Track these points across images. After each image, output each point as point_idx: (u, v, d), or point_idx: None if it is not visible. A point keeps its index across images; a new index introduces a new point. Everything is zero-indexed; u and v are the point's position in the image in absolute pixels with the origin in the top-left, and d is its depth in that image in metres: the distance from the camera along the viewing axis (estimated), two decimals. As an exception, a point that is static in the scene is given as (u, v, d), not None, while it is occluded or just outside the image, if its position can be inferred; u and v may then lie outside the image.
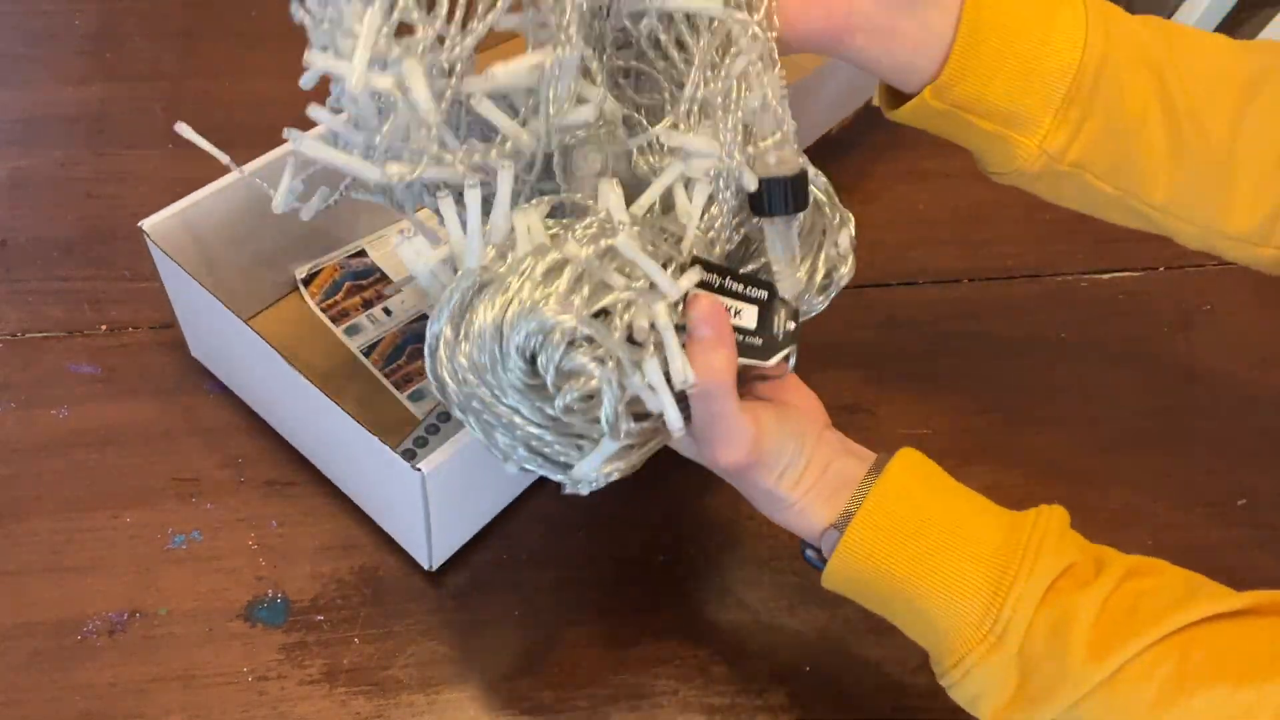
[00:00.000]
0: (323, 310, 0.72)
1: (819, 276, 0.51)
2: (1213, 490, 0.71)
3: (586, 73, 0.45)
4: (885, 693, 0.60)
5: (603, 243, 0.42)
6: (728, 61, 0.44)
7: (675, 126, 0.45)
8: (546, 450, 0.44)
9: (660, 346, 0.42)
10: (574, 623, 0.62)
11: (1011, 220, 0.86)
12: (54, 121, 0.84)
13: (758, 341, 0.46)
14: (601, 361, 0.41)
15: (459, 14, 0.42)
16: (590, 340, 0.41)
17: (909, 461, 0.49)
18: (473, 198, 0.43)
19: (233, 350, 0.64)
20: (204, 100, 0.87)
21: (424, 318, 0.74)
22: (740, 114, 0.44)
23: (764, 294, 0.46)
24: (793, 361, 0.48)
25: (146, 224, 0.60)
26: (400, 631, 0.60)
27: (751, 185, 0.45)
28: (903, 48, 0.47)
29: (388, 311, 0.73)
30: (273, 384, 0.61)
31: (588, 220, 0.44)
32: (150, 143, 0.83)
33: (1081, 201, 0.53)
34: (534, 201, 0.45)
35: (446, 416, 0.67)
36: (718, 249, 0.47)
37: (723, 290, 0.45)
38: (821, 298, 0.52)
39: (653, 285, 0.42)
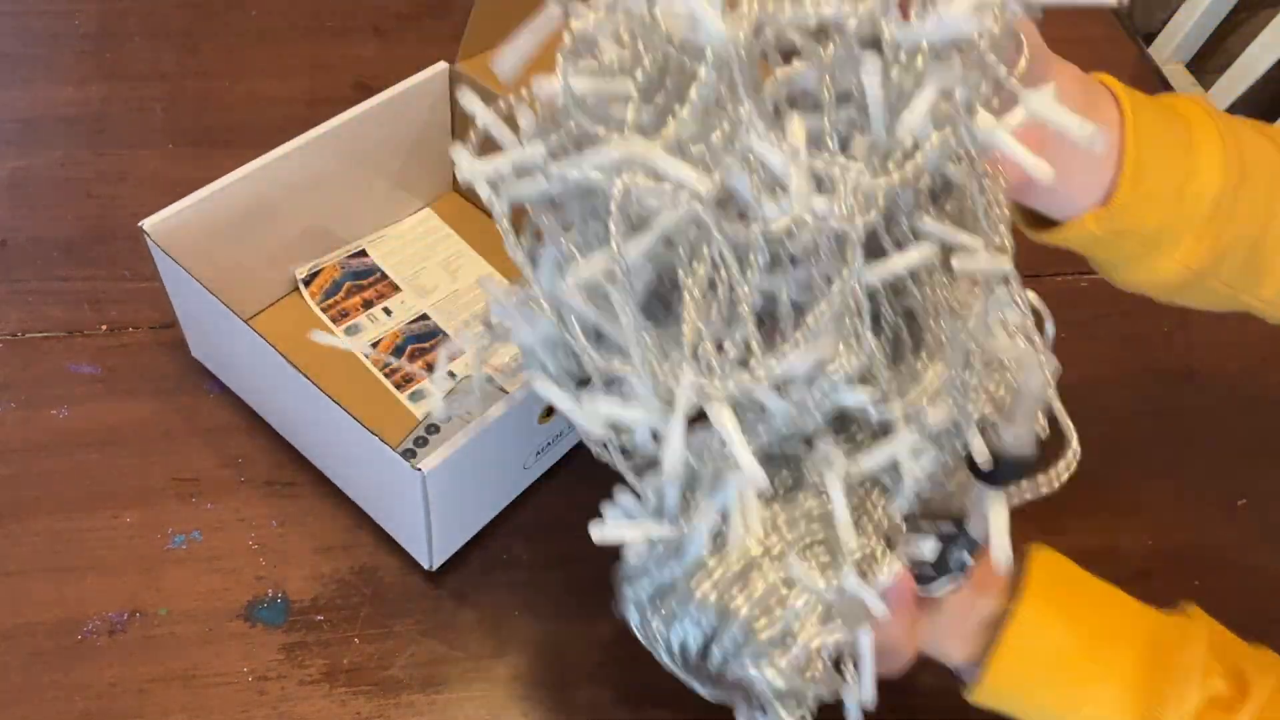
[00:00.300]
0: (323, 310, 0.72)
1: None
2: (1213, 490, 0.71)
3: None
4: (886, 692, 0.60)
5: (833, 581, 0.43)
6: (984, 339, 0.43)
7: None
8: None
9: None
10: (574, 623, 0.62)
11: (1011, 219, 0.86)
12: (54, 121, 0.84)
13: (932, 574, 0.47)
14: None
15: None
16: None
17: (1044, 582, 0.50)
18: (708, 508, 0.43)
19: (233, 350, 0.64)
20: (204, 100, 0.87)
21: (424, 318, 0.74)
22: (987, 385, 0.44)
23: (951, 528, 0.47)
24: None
25: (147, 224, 0.60)
26: (400, 631, 0.60)
27: (983, 459, 0.44)
28: (1062, 181, 0.45)
29: (388, 311, 0.73)
30: (273, 384, 0.61)
31: (806, 539, 0.44)
32: (150, 143, 0.83)
33: (1187, 296, 0.54)
34: (763, 500, 0.44)
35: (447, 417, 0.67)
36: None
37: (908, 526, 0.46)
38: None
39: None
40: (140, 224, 0.60)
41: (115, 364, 0.69)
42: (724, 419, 0.38)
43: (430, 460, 0.53)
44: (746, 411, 0.42)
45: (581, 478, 0.68)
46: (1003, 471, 0.45)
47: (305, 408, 0.59)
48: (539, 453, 0.64)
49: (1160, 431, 0.74)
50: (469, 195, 0.81)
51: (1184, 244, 0.49)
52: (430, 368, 0.70)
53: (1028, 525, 0.68)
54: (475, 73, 0.72)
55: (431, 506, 0.56)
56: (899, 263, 0.37)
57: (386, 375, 0.70)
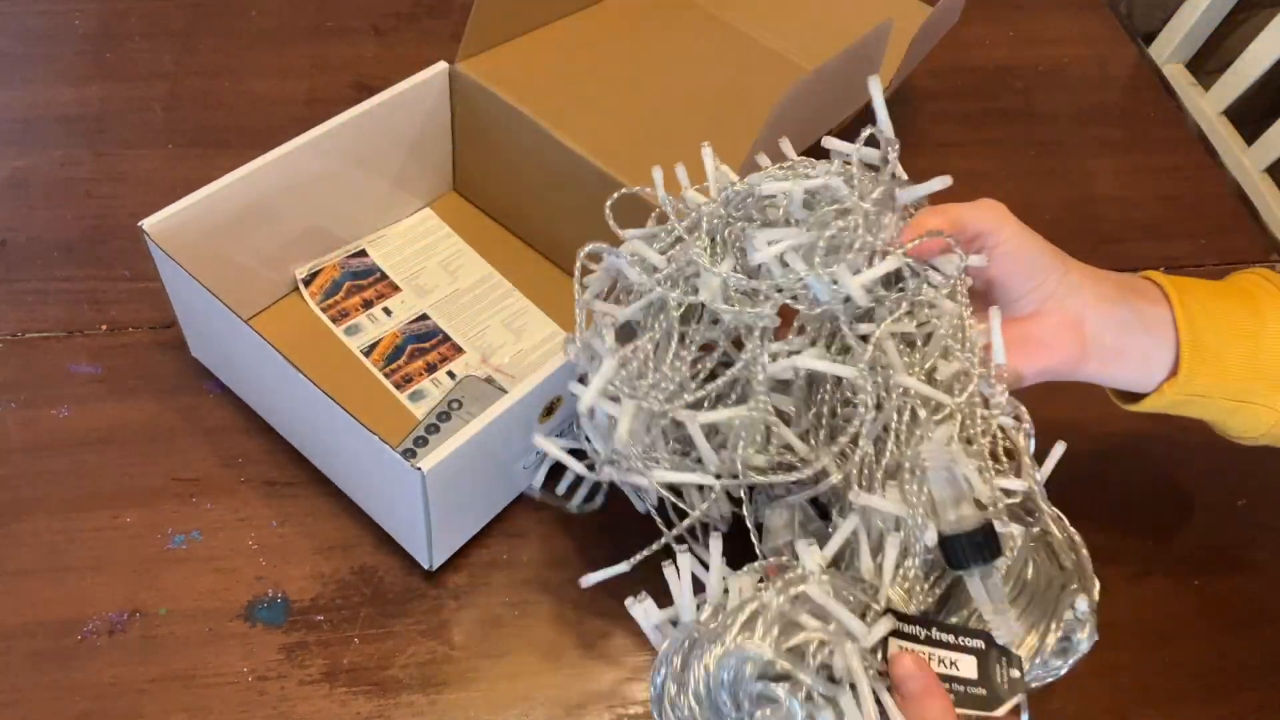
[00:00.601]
0: (323, 310, 0.72)
1: (1052, 638, 0.50)
2: (1213, 490, 0.71)
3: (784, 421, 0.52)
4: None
5: (793, 590, 0.45)
6: (920, 434, 0.48)
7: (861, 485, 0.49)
8: None
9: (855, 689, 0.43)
10: (574, 623, 0.62)
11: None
12: (54, 121, 0.84)
13: (981, 692, 0.46)
14: (794, 693, 0.43)
15: (682, 367, 0.52)
16: (785, 677, 0.44)
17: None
18: (684, 563, 0.51)
19: (233, 350, 0.64)
20: (204, 100, 0.87)
21: (424, 318, 0.74)
22: (927, 484, 0.47)
23: (980, 643, 0.46)
24: (1025, 717, 0.47)
25: (147, 224, 0.60)
26: (400, 631, 0.60)
27: (930, 541, 0.47)
28: (1131, 364, 0.55)
29: (388, 311, 0.73)
30: (273, 384, 0.61)
31: (787, 575, 0.47)
32: (150, 143, 0.83)
33: None
34: (746, 568, 0.50)
35: (446, 416, 0.67)
36: (914, 602, 0.48)
37: (930, 642, 0.46)
38: (1060, 661, 0.51)
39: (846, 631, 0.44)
40: (140, 224, 0.60)
41: (115, 364, 0.69)
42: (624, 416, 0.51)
43: (430, 459, 0.53)
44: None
45: (579, 480, 0.68)
46: (958, 554, 0.46)
47: (306, 408, 0.59)
48: (540, 451, 0.64)
49: (1160, 431, 0.74)
50: (468, 195, 0.81)
51: (1274, 397, 0.55)
52: (430, 367, 0.70)
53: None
54: (475, 73, 0.72)
55: (431, 506, 0.56)
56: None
57: (386, 375, 0.70)
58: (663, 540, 0.54)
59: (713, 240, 0.53)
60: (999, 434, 0.51)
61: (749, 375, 0.51)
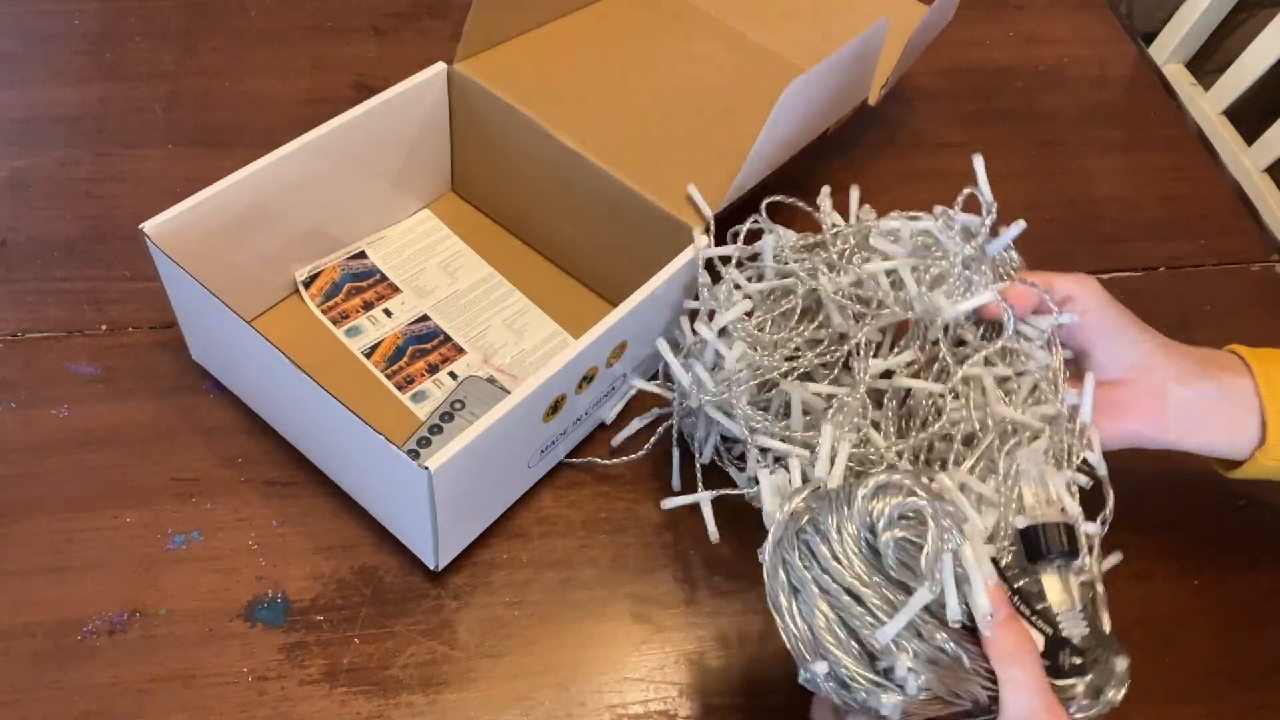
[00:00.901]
0: (323, 312, 0.72)
1: (1082, 686, 0.50)
2: (1213, 490, 0.71)
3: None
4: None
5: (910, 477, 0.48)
6: (1015, 442, 0.54)
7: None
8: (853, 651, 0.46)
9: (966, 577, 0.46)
10: (574, 623, 0.62)
11: (1012, 221, 0.86)
12: (54, 121, 0.84)
13: (1046, 663, 0.47)
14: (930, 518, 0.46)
15: (792, 341, 0.61)
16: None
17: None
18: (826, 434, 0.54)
19: (235, 352, 0.64)
20: (204, 100, 0.87)
21: (424, 319, 0.74)
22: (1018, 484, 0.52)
23: (1049, 629, 0.49)
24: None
25: (147, 226, 0.60)
26: (400, 631, 0.60)
27: (1020, 523, 0.50)
28: (1217, 433, 0.59)
29: (388, 313, 0.73)
30: (276, 385, 0.61)
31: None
32: (150, 143, 0.83)
33: None
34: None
35: (449, 417, 0.67)
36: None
37: (1011, 600, 0.48)
38: (1092, 709, 0.51)
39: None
40: (141, 226, 0.60)
41: (115, 364, 0.69)
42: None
43: (437, 459, 0.53)
44: None
45: (579, 481, 0.68)
46: (1048, 544, 0.49)
47: (310, 409, 0.59)
48: (542, 451, 0.64)
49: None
50: (467, 196, 0.82)
51: None
52: (432, 368, 0.70)
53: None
54: (474, 73, 0.72)
55: (438, 506, 0.56)
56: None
57: (388, 377, 0.70)
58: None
59: (839, 256, 0.61)
60: (1078, 475, 0.56)
61: (851, 381, 0.57)
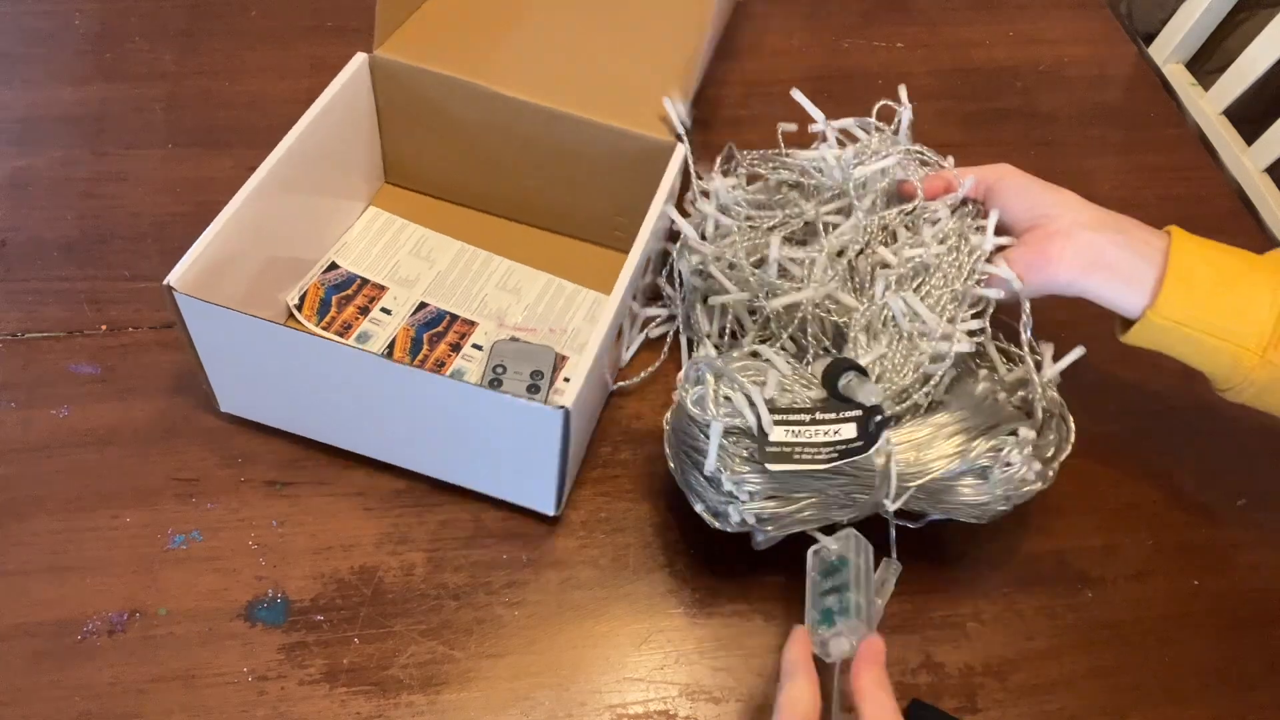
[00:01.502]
0: (324, 328, 0.72)
1: (982, 445, 0.59)
2: (1213, 490, 0.71)
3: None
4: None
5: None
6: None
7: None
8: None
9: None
10: (574, 623, 0.62)
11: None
12: (54, 121, 0.84)
13: (860, 443, 0.56)
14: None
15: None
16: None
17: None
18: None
19: (288, 378, 0.62)
20: (204, 100, 0.87)
21: (423, 306, 0.74)
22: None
23: (858, 411, 0.57)
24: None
25: (173, 279, 0.58)
26: (400, 631, 0.60)
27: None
28: (1120, 283, 0.60)
29: (387, 311, 0.73)
30: (350, 392, 0.61)
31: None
32: (150, 143, 0.83)
33: None
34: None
35: (498, 382, 0.68)
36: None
37: (815, 422, 0.57)
38: (1002, 488, 0.59)
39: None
40: (166, 282, 0.58)
41: (115, 364, 0.69)
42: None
43: (568, 397, 0.55)
44: None
45: (579, 480, 0.68)
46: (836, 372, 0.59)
47: (398, 401, 0.59)
48: (612, 375, 0.69)
49: (1160, 431, 0.74)
50: (404, 183, 0.81)
51: (1263, 339, 0.58)
52: (454, 347, 0.71)
53: (1024, 524, 0.69)
54: (396, 55, 0.72)
55: (571, 443, 0.58)
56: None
57: (419, 366, 0.70)
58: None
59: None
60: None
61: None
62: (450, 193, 0.80)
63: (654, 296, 0.76)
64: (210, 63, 0.90)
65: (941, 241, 0.64)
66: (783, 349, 0.67)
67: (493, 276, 0.76)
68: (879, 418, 0.57)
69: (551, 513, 0.64)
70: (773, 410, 0.57)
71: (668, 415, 0.61)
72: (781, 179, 0.72)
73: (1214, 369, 0.60)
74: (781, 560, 0.62)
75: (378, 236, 0.78)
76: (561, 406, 0.55)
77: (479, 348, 0.72)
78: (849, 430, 0.57)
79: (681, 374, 0.60)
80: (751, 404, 0.57)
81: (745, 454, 0.57)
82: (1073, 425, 0.62)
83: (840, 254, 0.67)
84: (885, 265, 0.65)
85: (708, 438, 0.57)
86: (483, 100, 0.71)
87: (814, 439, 0.57)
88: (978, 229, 0.64)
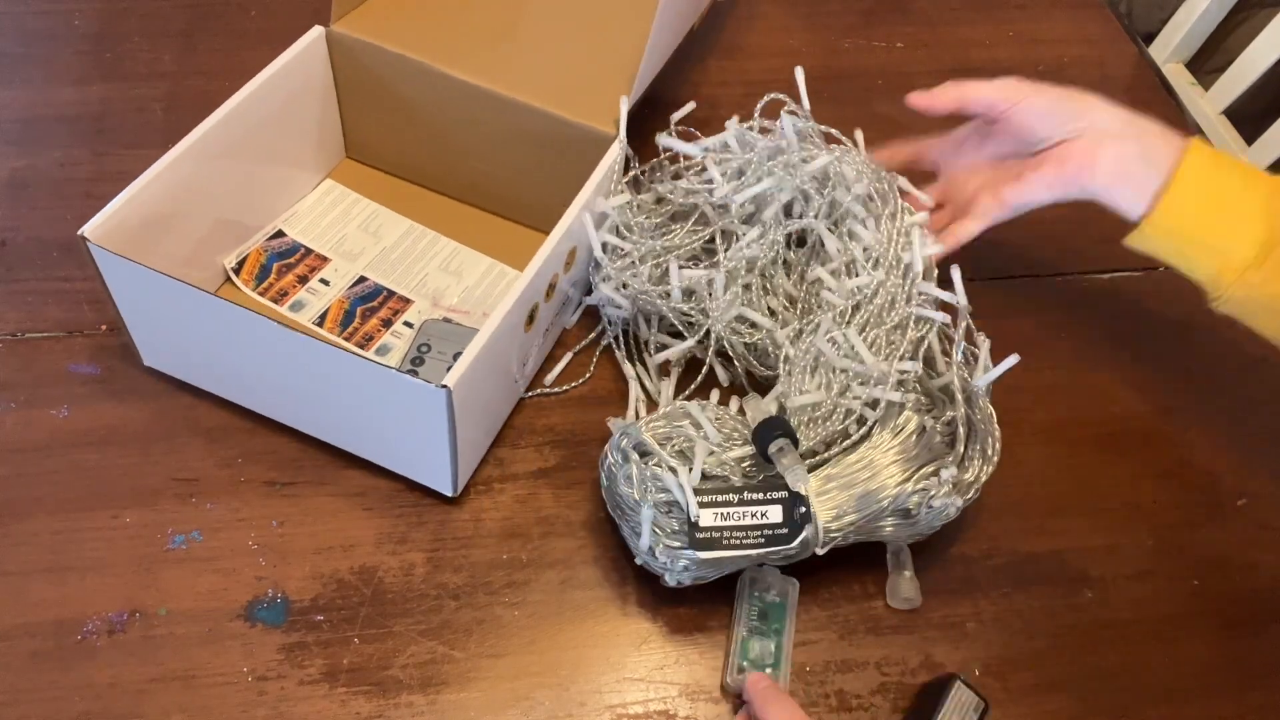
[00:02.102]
0: (261, 294, 0.72)
1: (910, 484, 0.60)
2: (1213, 490, 0.71)
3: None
4: (885, 693, 0.60)
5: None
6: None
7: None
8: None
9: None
10: (574, 623, 0.62)
11: (1011, 220, 0.86)
12: (54, 121, 0.84)
13: (784, 531, 0.58)
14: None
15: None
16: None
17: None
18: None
19: (200, 338, 0.63)
20: (204, 100, 0.86)
21: (362, 280, 0.75)
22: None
23: (784, 493, 0.59)
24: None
25: (88, 230, 0.59)
26: (400, 631, 0.60)
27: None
28: (1130, 191, 0.63)
29: (325, 282, 0.74)
30: (256, 356, 0.61)
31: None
32: (150, 143, 0.83)
33: None
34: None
35: (420, 360, 0.69)
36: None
37: (743, 502, 0.59)
38: (928, 513, 0.60)
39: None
40: (80, 231, 0.58)
41: (115, 364, 0.69)
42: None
43: (451, 376, 0.55)
44: None
45: (579, 480, 0.68)
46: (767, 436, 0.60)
47: (301, 368, 0.59)
48: (523, 364, 0.67)
49: (1160, 431, 0.74)
50: (362, 158, 0.82)
51: (1246, 259, 0.60)
52: (386, 323, 0.72)
53: (1024, 524, 0.69)
54: (353, 30, 0.72)
55: (457, 422, 0.57)
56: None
57: (346, 339, 0.71)
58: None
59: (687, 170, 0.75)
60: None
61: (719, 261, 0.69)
62: (407, 171, 0.81)
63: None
64: (210, 63, 0.90)
65: (876, 265, 0.65)
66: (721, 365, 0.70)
67: (437, 257, 0.77)
68: (804, 508, 0.58)
69: (449, 493, 0.64)
70: (699, 491, 0.58)
71: (601, 473, 0.61)
72: (680, 199, 0.71)
73: (1199, 279, 0.64)
74: (781, 560, 0.62)
75: (330, 209, 0.79)
76: (444, 385, 0.55)
77: (410, 325, 0.72)
78: (775, 513, 0.58)
79: (609, 444, 0.61)
80: (679, 491, 0.58)
81: (677, 525, 0.58)
82: (998, 436, 0.62)
83: (750, 269, 0.68)
84: (826, 287, 0.66)
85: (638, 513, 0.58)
86: (433, 81, 0.71)
87: (741, 521, 0.58)
88: (905, 246, 0.66)
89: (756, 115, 0.72)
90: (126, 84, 0.87)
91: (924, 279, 0.66)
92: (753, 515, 0.58)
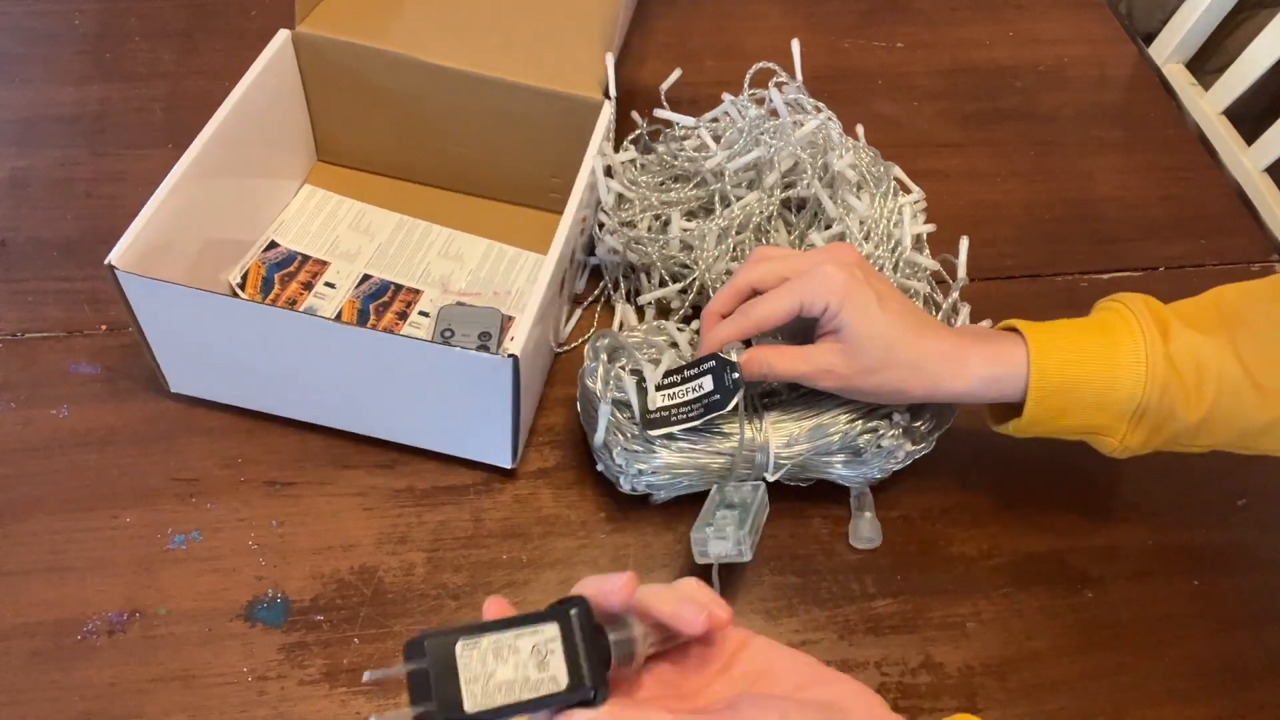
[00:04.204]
0: (269, 305, 0.72)
1: (860, 425, 0.62)
2: (1213, 490, 0.71)
3: None
4: (885, 693, 0.60)
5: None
6: None
7: None
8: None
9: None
10: (574, 623, 0.62)
11: (1011, 220, 0.86)
12: (54, 121, 0.84)
13: (717, 397, 0.59)
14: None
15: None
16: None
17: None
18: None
19: (238, 349, 0.63)
20: (204, 100, 0.86)
21: (367, 278, 0.75)
22: None
23: (713, 363, 0.61)
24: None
25: (114, 258, 0.58)
26: (400, 631, 0.60)
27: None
28: (986, 398, 0.59)
29: (330, 285, 0.74)
30: (300, 359, 0.61)
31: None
32: (150, 143, 0.83)
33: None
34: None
35: (447, 345, 0.68)
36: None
37: (685, 380, 0.61)
38: (878, 459, 0.63)
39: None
40: (108, 261, 0.58)
41: (115, 364, 0.69)
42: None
43: (515, 345, 0.56)
44: None
45: (579, 480, 0.68)
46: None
47: (354, 364, 0.60)
48: (556, 332, 0.71)
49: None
50: (336, 159, 0.82)
51: (1119, 432, 0.58)
52: (401, 315, 0.72)
53: (1024, 524, 0.69)
54: (319, 29, 0.72)
55: (522, 392, 0.59)
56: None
57: None
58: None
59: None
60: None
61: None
62: (384, 166, 0.81)
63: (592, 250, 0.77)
64: (210, 63, 0.90)
65: (867, 238, 0.69)
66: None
67: (434, 245, 0.77)
68: (735, 374, 0.60)
69: (508, 465, 0.65)
70: (658, 388, 0.61)
71: (579, 378, 0.65)
72: (678, 162, 0.75)
73: (1089, 443, 0.61)
74: (783, 561, 0.62)
75: (315, 213, 0.79)
76: (511, 355, 0.56)
77: (425, 314, 0.73)
78: (708, 383, 0.60)
79: (587, 347, 0.64)
80: (640, 382, 0.61)
81: (635, 431, 0.61)
82: None
83: (743, 228, 0.71)
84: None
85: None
86: (408, 69, 0.71)
87: (685, 398, 0.61)
88: (897, 223, 0.70)
89: (746, 85, 0.75)
90: (126, 84, 0.87)
91: (913, 251, 0.70)
92: (692, 389, 0.61)
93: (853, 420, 0.61)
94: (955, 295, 0.70)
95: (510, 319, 0.73)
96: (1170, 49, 1.09)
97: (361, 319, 0.72)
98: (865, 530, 0.65)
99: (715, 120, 0.77)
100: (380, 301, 0.73)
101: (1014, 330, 0.59)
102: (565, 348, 0.73)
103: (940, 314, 0.69)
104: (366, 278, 0.75)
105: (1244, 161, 1.00)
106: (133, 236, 0.59)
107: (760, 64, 0.74)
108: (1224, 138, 1.03)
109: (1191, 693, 0.62)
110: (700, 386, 0.61)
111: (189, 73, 0.89)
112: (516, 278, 0.76)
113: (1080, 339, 0.58)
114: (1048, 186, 0.90)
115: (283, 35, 0.72)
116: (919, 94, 0.96)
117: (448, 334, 0.70)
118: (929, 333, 0.58)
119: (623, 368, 0.63)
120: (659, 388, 0.61)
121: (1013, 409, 0.59)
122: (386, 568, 0.63)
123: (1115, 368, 0.57)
